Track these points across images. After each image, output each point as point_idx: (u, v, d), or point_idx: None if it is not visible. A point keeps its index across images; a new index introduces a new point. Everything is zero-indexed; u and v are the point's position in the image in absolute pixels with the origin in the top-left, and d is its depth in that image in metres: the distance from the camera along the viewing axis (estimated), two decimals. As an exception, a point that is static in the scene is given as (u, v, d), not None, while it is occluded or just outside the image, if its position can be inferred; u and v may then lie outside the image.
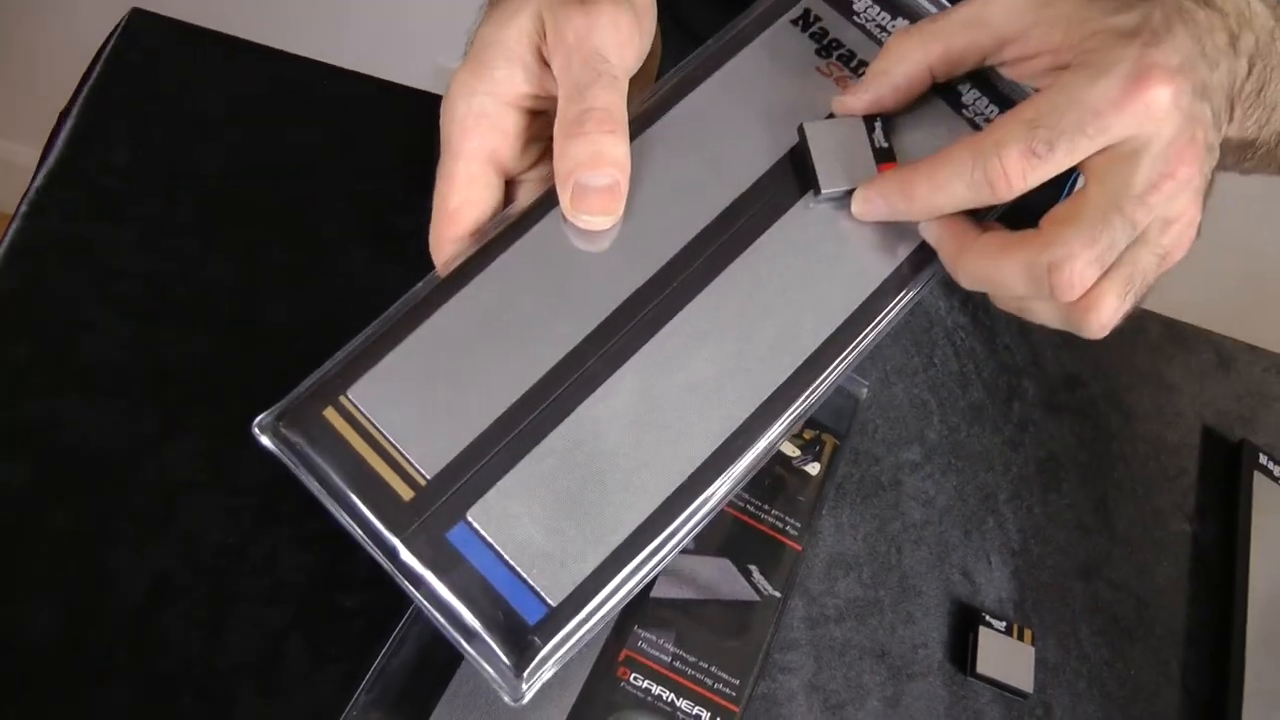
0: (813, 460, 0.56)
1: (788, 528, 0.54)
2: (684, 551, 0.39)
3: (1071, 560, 0.60)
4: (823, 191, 0.40)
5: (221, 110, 0.60)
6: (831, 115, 0.41)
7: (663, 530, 0.35)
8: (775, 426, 0.37)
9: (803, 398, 0.38)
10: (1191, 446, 0.66)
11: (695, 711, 0.48)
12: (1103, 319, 0.37)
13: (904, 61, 0.40)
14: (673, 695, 0.48)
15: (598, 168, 0.36)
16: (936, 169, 0.37)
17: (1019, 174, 0.36)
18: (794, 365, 0.38)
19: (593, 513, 0.35)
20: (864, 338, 0.39)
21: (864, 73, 0.41)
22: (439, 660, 0.46)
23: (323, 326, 0.54)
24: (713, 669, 0.49)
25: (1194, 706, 0.58)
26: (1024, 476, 0.61)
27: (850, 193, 0.40)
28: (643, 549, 0.35)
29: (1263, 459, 0.67)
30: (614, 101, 0.37)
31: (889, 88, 0.40)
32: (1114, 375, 0.67)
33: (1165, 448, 0.66)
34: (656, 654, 0.49)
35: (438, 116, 0.39)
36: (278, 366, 0.53)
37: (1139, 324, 0.70)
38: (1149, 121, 0.35)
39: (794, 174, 0.40)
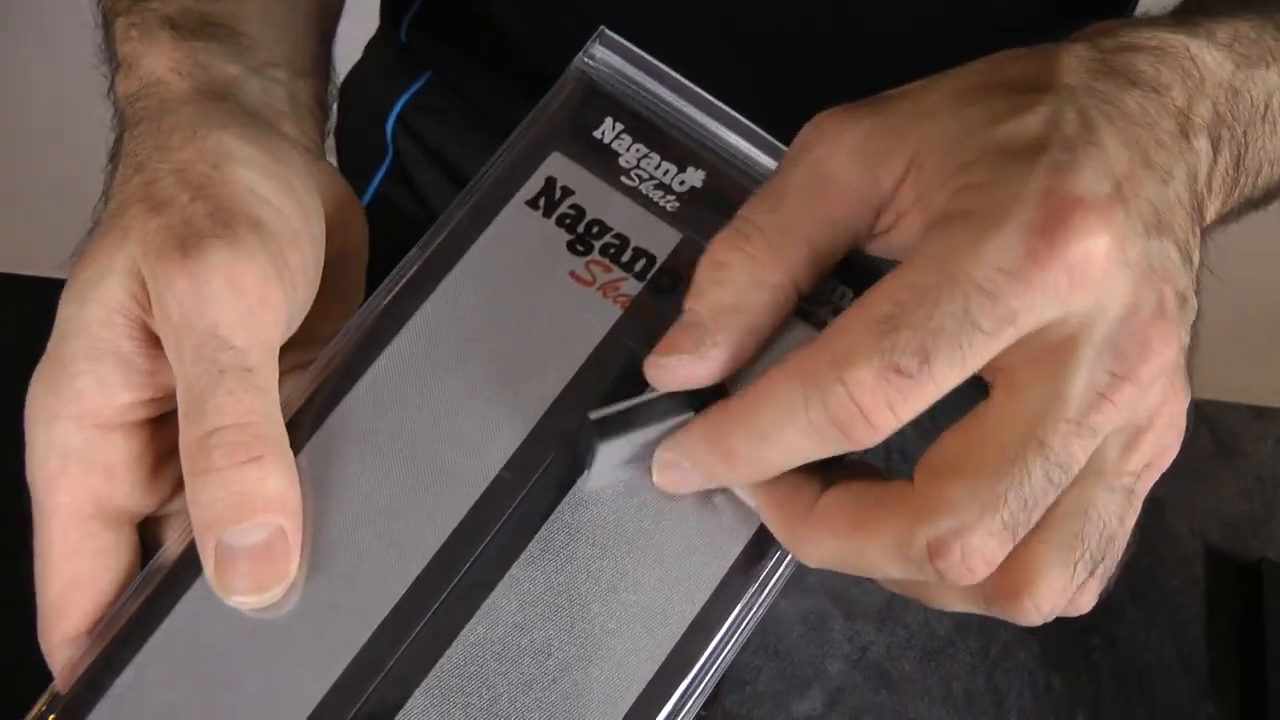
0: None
1: None
2: None
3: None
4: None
5: None
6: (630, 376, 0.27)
7: None
8: None
9: None
10: (1195, 582, 0.50)
11: None
12: (1041, 605, 0.24)
13: (762, 286, 0.25)
14: None
15: (243, 519, 0.25)
16: (756, 412, 0.24)
17: (881, 407, 0.23)
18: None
19: None
20: (720, 650, 0.26)
21: (648, 273, 0.28)
22: None
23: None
24: None
25: None
26: (970, 694, 0.45)
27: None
28: None
29: (1292, 583, 0.51)
30: (251, 408, 0.26)
31: (746, 331, 0.25)
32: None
33: (1163, 596, 0.50)
34: None
35: None
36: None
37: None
38: (1080, 292, 0.22)
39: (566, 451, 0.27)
